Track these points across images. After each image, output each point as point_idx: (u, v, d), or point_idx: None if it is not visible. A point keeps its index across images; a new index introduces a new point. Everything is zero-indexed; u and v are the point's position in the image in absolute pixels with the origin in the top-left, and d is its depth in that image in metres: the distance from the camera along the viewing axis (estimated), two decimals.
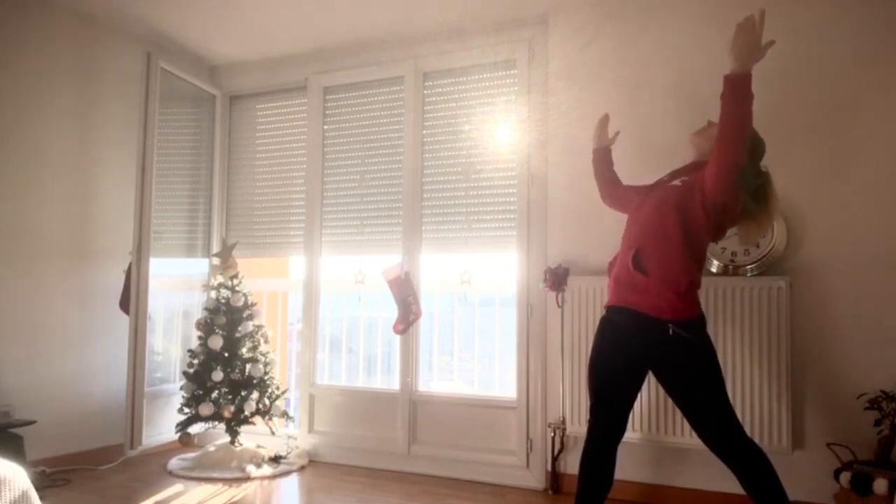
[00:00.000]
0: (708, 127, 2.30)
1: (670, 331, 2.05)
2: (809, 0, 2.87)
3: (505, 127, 3.47)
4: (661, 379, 2.18)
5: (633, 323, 2.14)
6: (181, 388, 3.62)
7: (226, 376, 3.52)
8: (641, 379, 2.22)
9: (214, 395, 3.56)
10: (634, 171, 3.12)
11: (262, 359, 3.67)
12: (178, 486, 3.21)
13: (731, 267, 2.86)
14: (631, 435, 2.92)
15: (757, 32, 1.90)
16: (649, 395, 2.91)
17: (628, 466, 3.05)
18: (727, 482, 2.81)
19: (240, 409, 3.54)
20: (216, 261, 3.88)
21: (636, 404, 2.89)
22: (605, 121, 2.69)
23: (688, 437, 2.85)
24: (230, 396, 3.56)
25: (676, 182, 2.23)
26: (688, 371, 2.09)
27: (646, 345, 2.12)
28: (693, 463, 2.94)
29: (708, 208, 2.08)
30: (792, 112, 2.85)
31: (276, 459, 3.57)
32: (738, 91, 1.93)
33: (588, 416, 2.24)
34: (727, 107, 1.95)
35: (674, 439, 2.89)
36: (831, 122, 2.81)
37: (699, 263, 2.16)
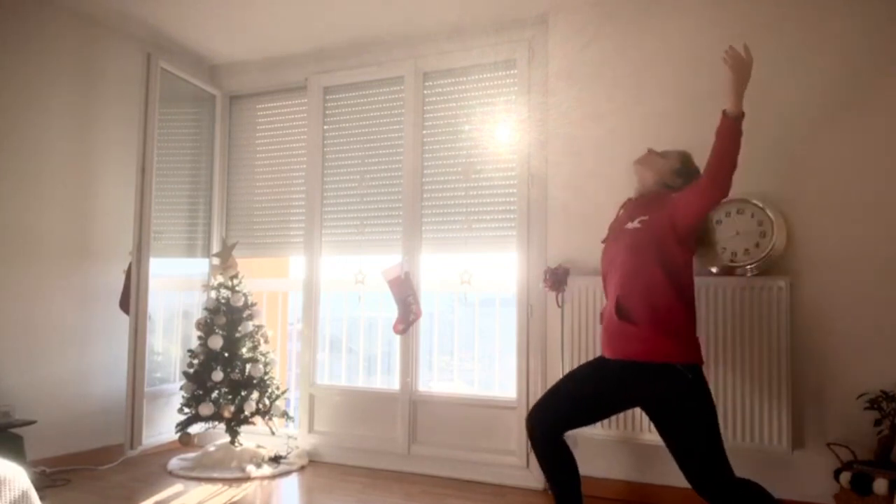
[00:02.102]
0: (649, 155, 2.36)
1: (677, 372, 2.08)
2: (819, 7, 2.87)
3: (505, 127, 3.47)
4: (650, 416, 2.23)
5: (635, 374, 2.15)
6: (181, 388, 3.62)
7: (226, 376, 3.52)
8: (617, 411, 2.42)
9: (214, 395, 3.56)
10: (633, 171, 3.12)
11: (262, 359, 3.67)
12: (178, 486, 3.21)
13: (731, 267, 2.86)
14: (621, 433, 2.94)
15: (748, 62, 2.02)
16: None
17: (616, 465, 3.07)
18: None
19: (240, 409, 3.54)
20: (216, 261, 3.88)
21: None
22: None
23: None
24: (230, 396, 3.56)
25: (636, 224, 2.22)
26: (677, 412, 2.11)
27: (644, 386, 2.16)
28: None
29: (682, 240, 2.15)
30: (795, 113, 2.85)
31: (276, 459, 3.57)
32: (737, 127, 2.00)
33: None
34: (727, 142, 2.00)
35: (655, 437, 2.86)
36: (833, 124, 2.81)
37: (689, 302, 2.18)
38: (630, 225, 2.24)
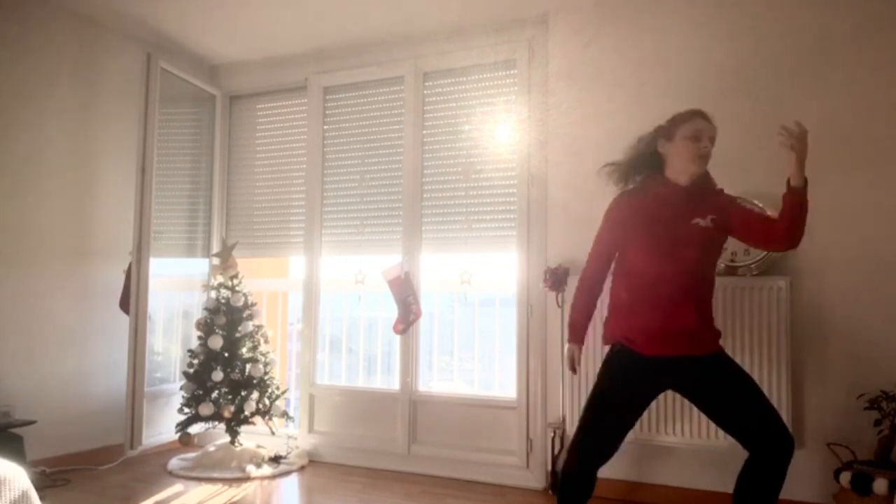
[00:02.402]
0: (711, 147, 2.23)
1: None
2: (821, 6, 2.87)
3: (505, 127, 3.47)
4: (698, 395, 2.20)
5: (685, 366, 2.15)
6: (181, 388, 3.62)
7: (226, 376, 3.52)
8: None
9: (214, 395, 3.56)
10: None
11: (262, 359, 3.67)
12: (178, 486, 3.21)
13: (731, 267, 2.86)
14: (638, 436, 2.92)
15: (805, 137, 1.96)
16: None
17: (616, 465, 3.03)
18: (705, 480, 2.88)
19: (240, 409, 3.54)
20: (216, 261, 3.87)
21: None
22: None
23: (668, 435, 2.86)
24: (230, 396, 3.55)
25: (709, 223, 2.15)
26: (730, 378, 2.14)
27: (690, 375, 2.17)
28: (674, 460, 2.95)
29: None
30: (795, 114, 2.84)
31: (276, 459, 3.57)
32: (805, 195, 2.02)
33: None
34: (799, 210, 2.02)
35: (654, 437, 2.89)
36: (834, 124, 2.80)
37: None
38: (701, 222, 2.15)
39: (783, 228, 2.05)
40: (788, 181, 2.01)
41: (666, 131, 2.23)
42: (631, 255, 2.22)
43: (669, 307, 2.14)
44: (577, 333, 2.38)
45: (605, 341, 2.28)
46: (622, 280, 2.25)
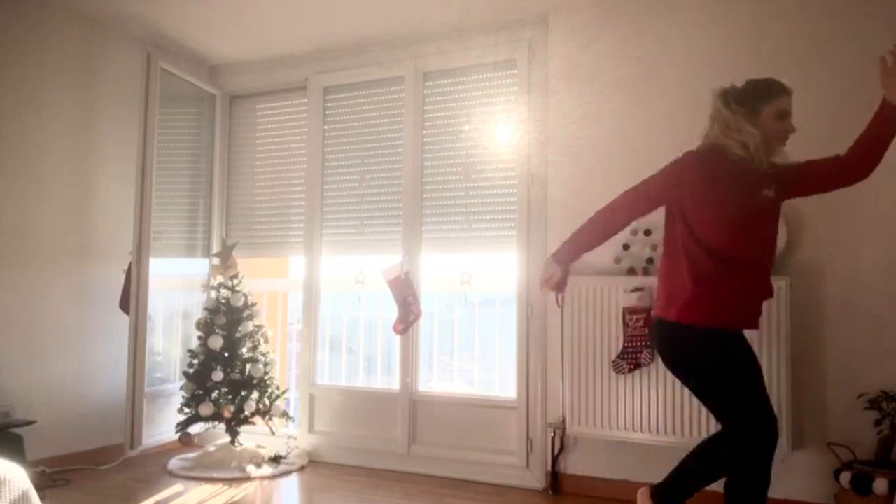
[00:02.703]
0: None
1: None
2: (822, 6, 2.87)
3: (505, 127, 3.47)
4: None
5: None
6: (181, 388, 3.62)
7: (226, 376, 3.52)
8: None
9: (214, 395, 3.56)
10: (636, 171, 3.11)
11: (262, 359, 3.67)
12: (178, 486, 3.21)
13: None
14: (621, 433, 2.94)
15: None
16: (657, 396, 2.90)
17: (616, 465, 3.06)
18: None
19: (240, 409, 3.54)
20: (216, 261, 3.87)
21: (647, 405, 2.90)
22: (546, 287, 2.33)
23: (669, 436, 2.85)
24: (230, 396, 3.55)
25: (772, 193, 2.08)
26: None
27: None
28: (676, 460, 2.91)
29: None
30: (795, 114, 2.84)
31: (276, 459, 3.57)
32: None
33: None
34: (889, 130, 1.99)
35: (655, 437, 2.88)
36: (833, 124, 2.80)
37: None
38: (769, 193, 2.06)
39: (859, 152, 2.02)
40: (884, 99, 1.94)
41: (751, 104, 2.05)
42: (710, 226, 2.04)
43: (763, 283, 2.13)
44: (569, 260, 2.22)
45: (704, 322, 2.04)
46: (705, 253, 2.03)
